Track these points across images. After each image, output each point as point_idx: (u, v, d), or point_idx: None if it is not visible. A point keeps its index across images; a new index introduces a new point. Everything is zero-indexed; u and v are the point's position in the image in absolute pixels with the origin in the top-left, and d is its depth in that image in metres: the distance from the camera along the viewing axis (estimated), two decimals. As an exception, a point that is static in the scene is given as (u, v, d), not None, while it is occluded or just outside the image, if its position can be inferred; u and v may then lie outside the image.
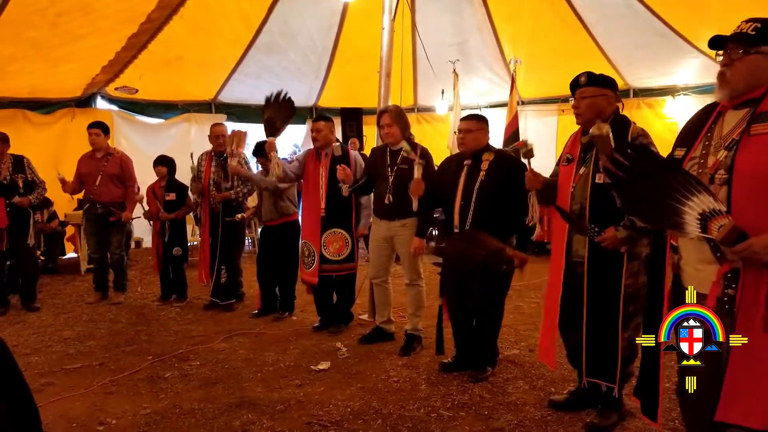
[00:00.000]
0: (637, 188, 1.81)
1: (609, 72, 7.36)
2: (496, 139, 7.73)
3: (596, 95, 2.60)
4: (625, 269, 2.51)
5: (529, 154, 2.74)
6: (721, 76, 1.81)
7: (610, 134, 2.29)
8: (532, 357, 3.69)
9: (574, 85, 2.68)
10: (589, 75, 2.63)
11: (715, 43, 1.82)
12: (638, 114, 7.69)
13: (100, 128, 5.24)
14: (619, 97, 2.69)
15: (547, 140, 8.13)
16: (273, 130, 4.14)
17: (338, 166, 3.89)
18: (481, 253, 3.00)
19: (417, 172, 3.48)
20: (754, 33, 1.74)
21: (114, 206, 5.21)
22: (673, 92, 7.60)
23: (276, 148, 4.17)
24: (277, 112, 4.17)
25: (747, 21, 1.78)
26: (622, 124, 2.57)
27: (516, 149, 3.08)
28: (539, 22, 7.13)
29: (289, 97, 4.17)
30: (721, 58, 1.83)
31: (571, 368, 3.01)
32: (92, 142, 5.21)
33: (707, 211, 1.63)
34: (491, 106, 8.93)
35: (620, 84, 7.77)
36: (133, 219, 5.63)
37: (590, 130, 2.42)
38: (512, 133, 7.67)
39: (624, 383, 2.67)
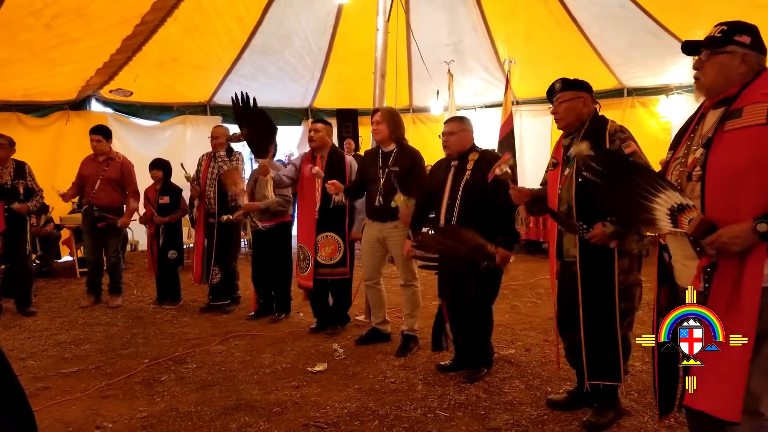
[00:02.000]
0: (610, 190, 1.90)
1: (603, 71, 7.52)
2: (492, 139, 7.75)
3: (572, 98, 2.69)
4: (616, 266, 2.55)
5: (506, 176, 2.74)
6: (696, 79, 1.91)
7: (589, 150, 2.35)
8: (528, 356, 3.70)
9: (551, 92, 2.77)
10: (564, 81, 2.73)
11: (689, 48, 1.93)
12: (632, 113, 7.73)
13: (102, 134, 5.23)
14: (595, 99, 2.77)
15: (542, 139, 8.18)
16: (261, 152, 3.98)
17: (327, 183, 3.90)
18: (462, 249, 3.02)
19: (404, 207, 3.58)
20: (720, 35, 1.84)
21: (110, 211, 5.20)
22: (667, 91, 7.65)
23: (269, 171, 4.10)
24: (256, 130, 3.90)
25: (716, 25, 1.87)
26: (599, 123, 2.66)
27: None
28: (533, 22, 7.16)
29: (262, 110, 3.88)
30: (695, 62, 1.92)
31: (567, 367, 3.02)
32: (95, 149, 5.23)
33: (675, 206, 1.71)
34: (486, 106, 8.97)
35: (614, 83, 7.94)
36: (130, 221, 5.61)
37: (570, 151, 2.52)
38: (507, 133, 7.69)
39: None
